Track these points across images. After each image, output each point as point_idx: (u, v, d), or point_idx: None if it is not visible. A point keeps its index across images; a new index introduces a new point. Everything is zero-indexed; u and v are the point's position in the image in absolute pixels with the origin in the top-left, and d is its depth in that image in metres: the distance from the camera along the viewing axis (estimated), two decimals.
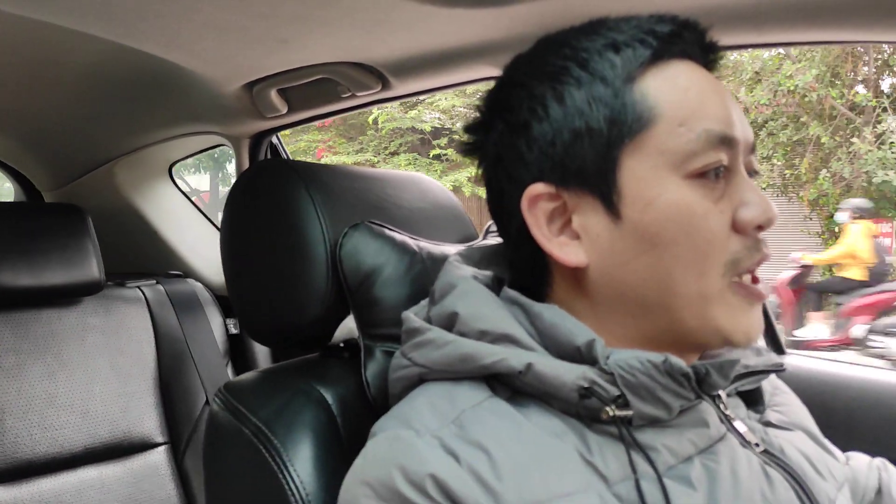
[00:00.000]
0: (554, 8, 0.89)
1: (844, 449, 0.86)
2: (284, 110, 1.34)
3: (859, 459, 0.82)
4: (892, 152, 7.72)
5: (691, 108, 0.58)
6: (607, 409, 0.55)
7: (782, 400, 0.74)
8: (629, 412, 0.55)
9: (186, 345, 1.61)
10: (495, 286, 0.67)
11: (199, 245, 1.96)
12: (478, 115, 0.67)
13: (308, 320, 0.77)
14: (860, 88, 8.41)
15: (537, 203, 0.61)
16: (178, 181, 1.98)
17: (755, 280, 0.61)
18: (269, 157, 1.61)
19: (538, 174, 0.61)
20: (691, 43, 0.61)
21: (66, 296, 1.48)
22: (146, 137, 1.67)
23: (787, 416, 0.71)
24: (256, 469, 0.65)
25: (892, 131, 7.83)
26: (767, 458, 0.62)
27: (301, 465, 0.65)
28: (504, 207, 0.65)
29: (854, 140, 8.02)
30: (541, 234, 0.61)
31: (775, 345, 1.18)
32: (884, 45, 7.83)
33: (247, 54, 1.13)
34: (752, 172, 0.63)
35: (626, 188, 0.58)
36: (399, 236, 0.78)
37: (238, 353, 1.74)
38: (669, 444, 0.57)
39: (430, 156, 10.22)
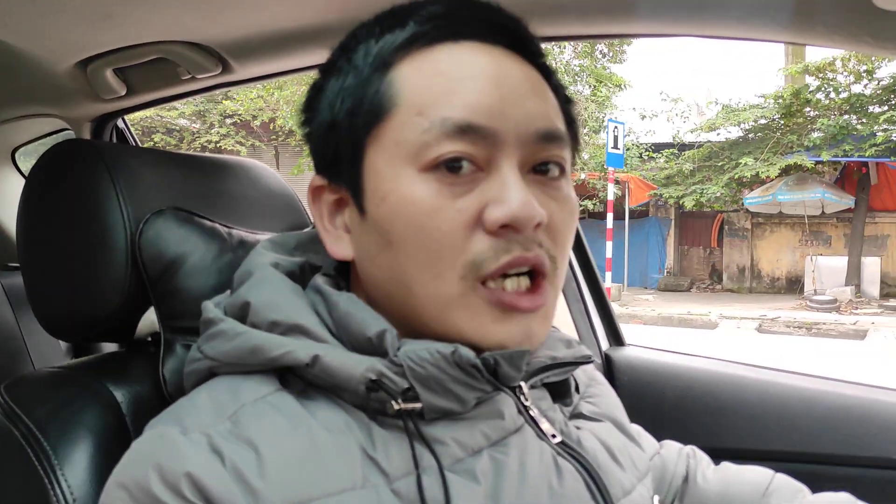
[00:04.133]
0: None
1: (672, 435, 0.89)
2: (123, 92, 1.26)
3: (670, 447, 0.84)
4: None
5: (434, 94, 0.55)
6: (393, 402, 0.53)
7: (597, 391, 0.75)
8: (418, 405, 0.54)
9: (24, 342, 1.50)
10: (305, 274, 0.64)
11: None
12: None
13: (107, 312, 0.71)
14: None
15: (321, 194, 0.62)
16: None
17: (534, 286, 0.57)
18: (114, 141, 1.52)
19: (316, 166, 0.62)
20: (470, 24, 0.57)
21: None
22: None
23: (599, 408, 0.72)
24: (23, 476, 0.60)
25: None
26: (562, 450, 0.61)
27: (73, 470, 0.60)
28: None
29: None
30: (321, 226, 0.62)
31: (615, 336, 1.20)
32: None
33: (71, 30, 1.05)
34: (551, 165, 0.58)
35: (366, 182, 0.57)
36: (209, 223, 0.74)
37: (83, 350, 1.64)
38: (460, 437, 0.56)
39: None
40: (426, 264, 0.54)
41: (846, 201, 11.93)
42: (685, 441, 0.91)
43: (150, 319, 0.74)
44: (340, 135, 0.58)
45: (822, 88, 11.45)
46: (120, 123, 1.52)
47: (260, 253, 0.65)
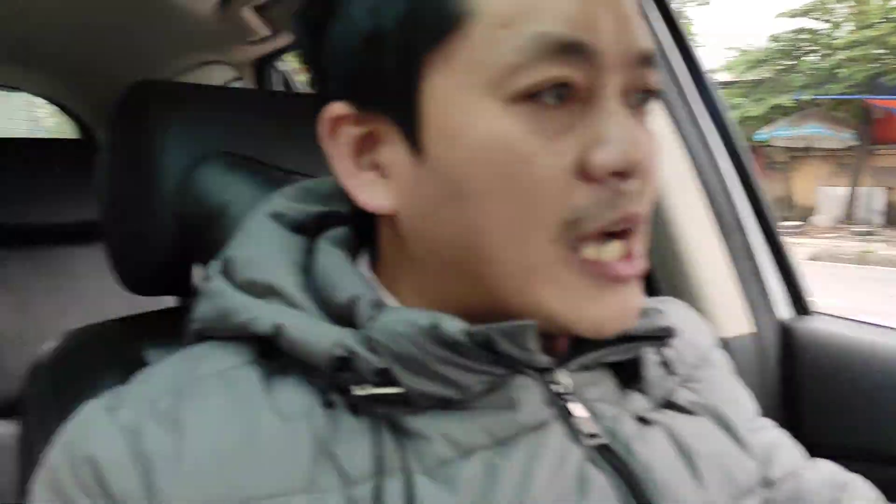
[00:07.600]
0: None
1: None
2: (267, 33, 1.23)
3: (819, 471, 0.61)
4: None
5: (523, 1, 0.41)
6: (358, 386, 0.42)
7: (706, 375, 0.57)
8: (396, 390, 0.42)
9: None
10: (325, 227, 0.53)
11: None
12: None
13: (158, 262, 0.68)
14: None
15: (340, 128, 0.46)
16: None
17: (628, 255, 0.44)
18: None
19: (338, 89, 0.47)
20: None
21: (84, 234, 1.47)
22: (168, 67, 1.62)
23: (701, 397, 0.55)
24: None
25: None
26: (600, 455, 0.46)
27: None
28: None
29: None
30: (341, 167, 0.47)
31: (797, 301, 0.95)
32: None
33: None
34: (646, 94, 0.45)
35: (428, 114, 0.43)
36: (263, 168, 0.66)
37: None
38: (452, 432, 0.43)
39: None
40: (510, 223, 0.42)
41: (843, 136, 13.07)
42: (877, 452, 0.69)
43: None
44: (389, 48, 0.43)
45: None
46: (284, 66, 1.51)
47: (270, 201, 0.55)
